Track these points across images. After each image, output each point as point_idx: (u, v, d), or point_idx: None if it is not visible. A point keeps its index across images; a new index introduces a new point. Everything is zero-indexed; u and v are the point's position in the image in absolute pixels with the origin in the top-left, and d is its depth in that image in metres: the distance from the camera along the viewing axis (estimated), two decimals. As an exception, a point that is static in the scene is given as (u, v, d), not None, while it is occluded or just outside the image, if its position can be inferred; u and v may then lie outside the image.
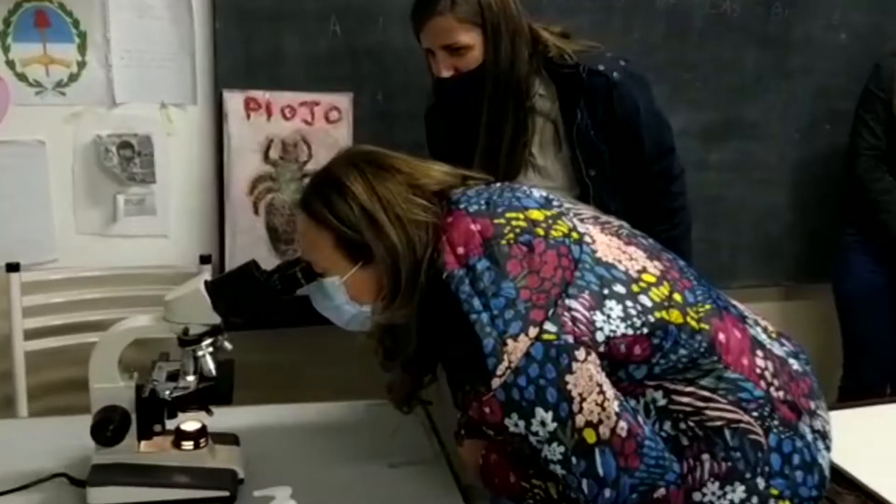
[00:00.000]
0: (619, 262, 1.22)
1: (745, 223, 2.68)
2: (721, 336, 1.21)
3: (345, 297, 1.27)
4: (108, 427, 1.26)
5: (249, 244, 2.26)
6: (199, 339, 1.28)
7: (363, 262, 1.24)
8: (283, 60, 2.20)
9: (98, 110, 2.13)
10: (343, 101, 2.25)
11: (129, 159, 2.18)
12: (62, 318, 2.13)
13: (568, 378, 1.11)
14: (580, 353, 1.12)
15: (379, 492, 1.38)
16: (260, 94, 2.19)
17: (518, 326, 1.11)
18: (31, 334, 2.09)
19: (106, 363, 1.28)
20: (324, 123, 2.25)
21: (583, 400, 1.11)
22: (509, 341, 1.11)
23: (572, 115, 1.81)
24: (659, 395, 1.18)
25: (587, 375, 1.11)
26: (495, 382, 1.11)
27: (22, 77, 2.07)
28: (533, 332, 1.11)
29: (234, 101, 2.18)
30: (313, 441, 1.52)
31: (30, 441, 1.47)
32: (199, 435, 1.35)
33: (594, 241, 1.23)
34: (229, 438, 1.42)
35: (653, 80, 2.42)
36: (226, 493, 1.30)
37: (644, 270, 1.23)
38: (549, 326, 1.11)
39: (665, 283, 1.22)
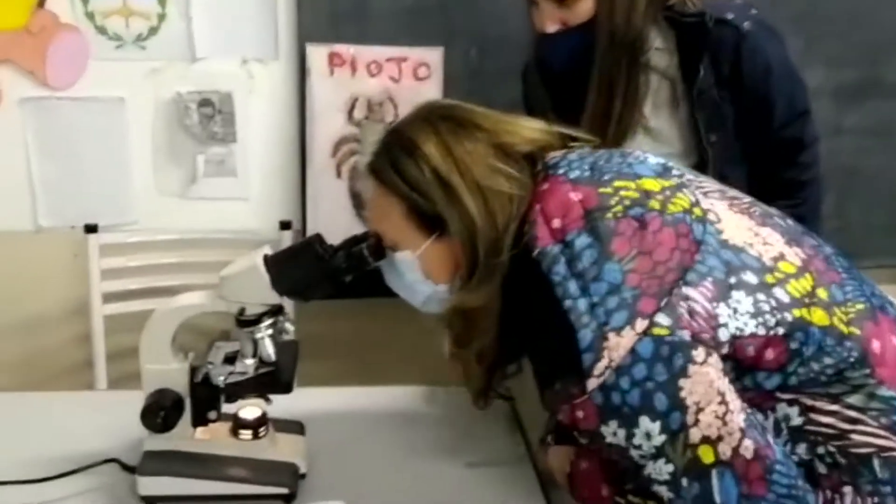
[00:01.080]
0: (751, 245, 1.03)
1: (882, 197, 2.38)
2: (875, 344, 1.00)
3: (418, 275, 1.12)
4: (159, 413, 1.15)
5: (331, 210, 2.13)
6: (257, 319, 1.15)
7: (437, 234, 1.08)
8: (370, 12, 2.03)
9: (178, 65, 2.04)
10: (433, 56, 2.07)
11: (210, 117, 2.08)
12: (140, 282, 2.06)
13: (682, 382, 0.93)
14: (698, 354, 0.93)
15: (453, 495, 1.24)
16: (344, 49, 2.04)
17: (622, 318, 0.93)
18: (108, 297, 2.03)
19: (157, 342, 1.17)
20: (412, 80, 2.08)
21: (699, 410, 0.93)
22: (611, 335, 0.93)
23: (693, 72, 1.56)
24: (794, 411, 0.98)
25: (706, 381, 0.93)
26: (591, 383, 0.94)
27: (101, 30, 1.99)
28: (641, 325, 0.93)
29: (317, 55, 2.04)
30: (383, 431, 1.38)
31: (87, 417, 1.38)
32: (258, 423, 1.23)
33: (720, 220, 1.03)
34: (293, 427, 1.29)
35: (784, 33, 2.19)
36: (284, 491, 1.18)
37: (781, 258, 1.03)
38: (661, 319, 0.93)
39: (807, 274, 1.02)
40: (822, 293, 1.01)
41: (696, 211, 1.01)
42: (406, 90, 2.08)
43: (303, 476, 1.22)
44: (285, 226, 2.10)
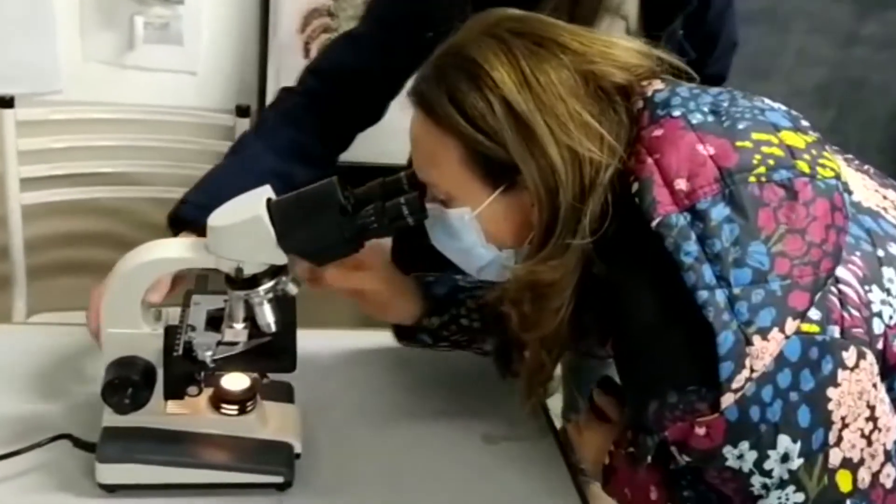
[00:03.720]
0: (885, 210, 0.85)
1: (882, 115, 2.25)
2: None
3: (477, 236, 0.88)
4: (126, 391, 0.91)
5: (296, 94, 1.83)
6: (255, 281, 0.91)
7: (505, 185, 0.85)
8: None
9: None
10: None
11: (152, -29, 1.71)
12: (65, 167, 1.75)
13: (830, 392, 0.76)
14: (849, 356, 0.76)
15: (470, 476, 1.07)
16: None
17: (770, 316, 0.74)
18: (28, 184, 1.72)
19: (124, 302, 0.92)
20: (401, -54, 1.75)
21: (844, 426, 0.76)
22: (756, 339, 0.73)
23: (660, 13, 1.19)
24: None
25: (857, 390, 0.76)
26: (727, 399, 0.75)
27: None
28: (791, 326, 0.74)
29: None
30: (387, 395, 1.19)
31: (28, 363, 1.13)
32: (246, 396, 1.00)
33: (849, 182, 0.84)
34: (281, 392, 1.07)
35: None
36: (279, 479, 0.98)
37: None
38: (811, 313, 0.75)
39: None
40: None
41: (843, 176, 0.82)
42: (393, -43, 1.76)
43: (297, 456, 1.02)
44: (243, 112, 1.79)
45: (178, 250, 0.92)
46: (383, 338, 1.20)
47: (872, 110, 2.24)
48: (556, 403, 1.18)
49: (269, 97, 1.82)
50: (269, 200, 0.89)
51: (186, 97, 1.83)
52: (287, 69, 1.80)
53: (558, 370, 1.04)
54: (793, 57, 2.07)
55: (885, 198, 0.88)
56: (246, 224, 0.88)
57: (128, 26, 1.75)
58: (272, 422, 1.03)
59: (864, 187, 0.87)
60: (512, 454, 1.11)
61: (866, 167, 0.93)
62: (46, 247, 1.87)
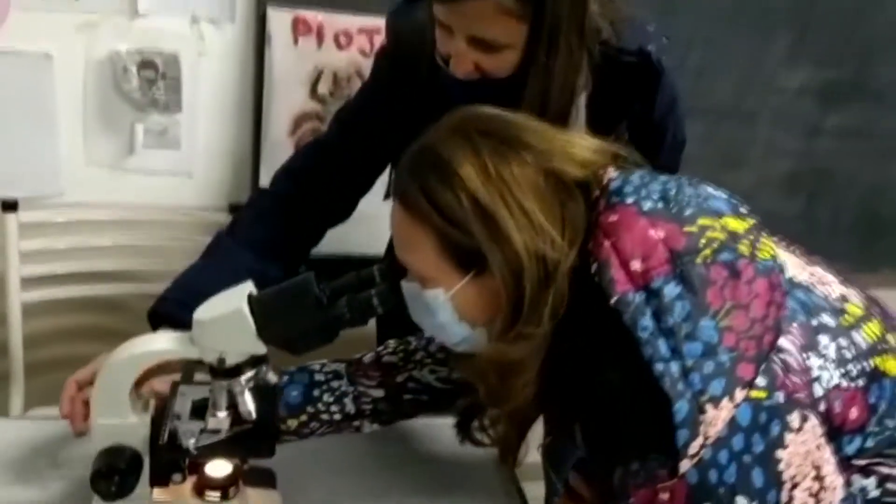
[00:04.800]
0: (813, 285, 0.92)
1: (851, 200, 2.33)
2: None
3: (452, 315, 0.95)
4: (113, 478, 0.96)
5: (287, 193, 1.92)
6: (237, 370, 0.97)
7: (475, 271, 0.91)
8: (341, -25, 1.82)
9: (117, 20, 1.77)
10: (409, 29, 1.87)
11: (152, 82, 1.82)
12: (66, 266, 1.82)
13: (779, 454, 0.81)
14: (793, 419, 0.82)
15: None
16: (311, 15, 1.81)
17: (721, 386, 0.80)
18: (28, 283, 1.79)
19: (113, 393, 0.98)
20: (384, 55, 1.87)
21: (794, 486, 0.81)
22: (708, 407, 0.79)
23: (607, 108, 1.24)
24: (871, 482, 0.88)
25: (802, 451, 0.82)
26: (685, 465, 0.80)
27: (26, -26, 1.70)
28: (740, 394, 0.80)
29: (279, 20, 1.80)
30: (364, 475, 1.23)
31: (21, 454, 1.17)
32: (229, 482, 1.05)
33: (783, 262, 0.92)
34: (263, 478, 1.12)
35: (776, 25, 2.08)
36: (261, 565, 1.02)
37: (845, 299, 0.93)
38: (758, 380, 0.81)
39: (874, 318, 0.92)
40: (891, 339, 0.92)
41: (779, 257, 0.89)
42: (377, 65, 1.87)
43: (279, 542, 1.05)
44: (235, 209, 1.88)
45: (164, 343, 0.98)
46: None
47: (841, 197, 2.32)
48: (535, 489, 1.22)
49: (262, 196, 1.91)
50: (250, 295, 0.96)
51: (183, 197, 1.92)
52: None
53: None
54: (761, 148, 2.17)
55: (812, 274, 0.95)
56: (228, 317, 0.94)
57: (128, 133, 1.86)
58: (255, 508, 1.07)
59: (794, 265, 0.94)
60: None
61: (793, 248, 1.01)
62: (44, 343, 1.92)
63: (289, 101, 1.86)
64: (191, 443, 0.97)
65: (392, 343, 1.24)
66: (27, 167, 1.83)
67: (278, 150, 1.89)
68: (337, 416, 1.17)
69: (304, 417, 1.16)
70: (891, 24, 2.15)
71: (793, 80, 2.15)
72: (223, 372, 0.97)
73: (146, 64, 1.81)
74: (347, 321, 0.95)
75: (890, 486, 0.88)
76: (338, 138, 1.35)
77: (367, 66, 1.85)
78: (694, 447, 0.80)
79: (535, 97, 1.17)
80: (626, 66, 1.22)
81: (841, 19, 2.10)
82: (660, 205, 0.88)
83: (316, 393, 1.17)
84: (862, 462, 0.88)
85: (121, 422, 0.98)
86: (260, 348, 0.95)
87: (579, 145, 0.94)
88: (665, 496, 0.83)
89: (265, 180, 1.90)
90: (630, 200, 0.89)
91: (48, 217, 1.80)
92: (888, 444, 0.89)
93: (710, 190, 0.95)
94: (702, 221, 0.87)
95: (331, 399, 1.17)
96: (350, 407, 1.18)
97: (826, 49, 2.13)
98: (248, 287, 0.97)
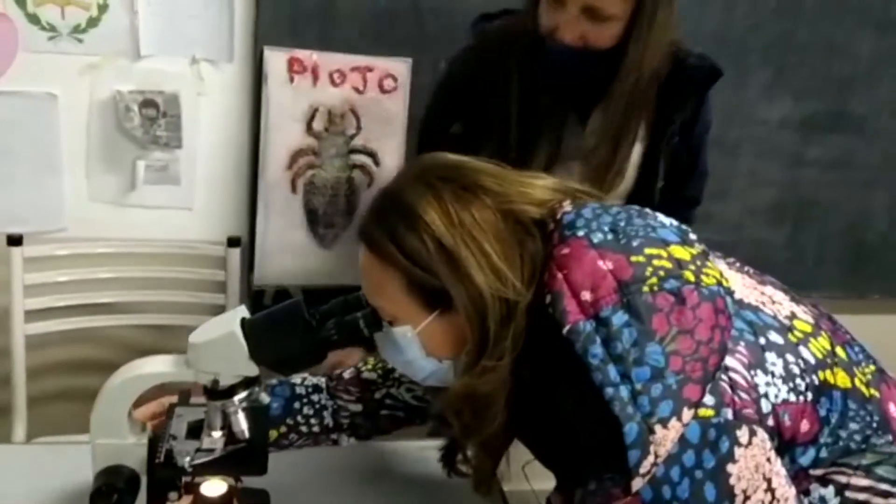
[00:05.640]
0: (763, 304, 0.97)
1: (835, 229, 2.38)
2: (892, 408, 0.96)
3: (419, 351, 1.00)
4: (112, 497, 1.01)
5: (284, 226, 1.98)
6: (230, 391, 1.01)
7: (441, 309, 0.97)
8: (335, 16, 1.89)
9: (119, 62, 1.84)
10: (401, 67, 1.94)
11: (153, 120, 1.89)
12: (69, 299, 1.87)
13: (730, 468, 0.85)
14: (742, 434, 0.86)
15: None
16: (306, 55, 1.89)
17: (669, 408, 0.84)
18: (32, 315, 1.84)
19: (112, 415, 1.02)
20: (377, 93, 1.95)
21: (746, 499, 0.86)
22: (657, 428, 0.84)
23: (670, 100, 1.45)
24: (829, 492, 0.92)
25: (752, 465, 0.86)
26: (637, 483, 0.84)
27: (33, 19, 1.78)
28: (687, 415, 0.85)
29: (276, 60, 1.88)
30: (361, 496, 1.27)
31: (24, 478, 1.21)
32: (224, 501, 1.09)
33: (729, 281, 0.97)
34: (258, 498, 1.16)
35: (755, 62, 2.15)
36: (255, 581, 1.05)
37: (794, 316, 0.98)
38: (705, 399, 0.86)
39: (822, 333, 0.98)
40: (840, 353, 0.97)
41: (724, 282, 0.94)
42: (370, 102, 1.95)
43: (273, 560, 1.09)
44: (234, 242, 1.94)
45: (160, 366, 1.03)
46: (354, 447, 1.30)
47: (825, 225, 2.37)
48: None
49: (259, 229, 1.97)
50: (243, 319, 1.01)
51: (183, 231, 1.98)
52: (275, 203, 1.96)
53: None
54: (745, 179, 2.23)
55: (762, 293, 1.00)
56: (221, 340, 0.99)
57: (130, 169, 1.92)
58: (248, 526, 1.11)
59: (744, 286, 0.99)
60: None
61: (746, 268, 1.06)
62: (47, 374, 1.97)
63: (285, 137, 1.93)
64: (186, 461, 1.01)
65: (371, 360, 1.29)
66: (32, 203, 1.89)
67: (275, 184, 1.95)
68: (316, 429, 1.23)
69: (283, 429, 1.21)
70: (865, 58, 2.21)
71: (774, 112, 2.21)
72: (217, 393, 1.02)
73: (147, 103, 1.88)
74: (335, 343, 1.00)
75: (849, 494, 0.92)
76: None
77: (360, 102, 1.94)
78: (645, 466, 0.84)
79: (632, 68, 1.34)
80: (689, 66, 1.41)
81: (817, 54, 2.17)
82: (609, 236, 0.93)
83: (296, 405, 1.22)
84: (819, 472, 0.92)
85: (119, 442, 1.03)
86: (252, 370, 1.00)
87: (535, 186, 1.00)
88: None
89: (262, 214, 1.97)
90: (581, 233, 0.94)
91: (52, 251, 1.86)
92: (843, 454, 0.93)
93: (660, 219, 1.00)
94: (648, 251, 0.92)
95: (310, 412, 1.22)
96: (329, 420, 1.23)
97: (804, 83, 2.20)
98: (242, 311, 1.03)
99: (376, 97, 1.95)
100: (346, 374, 1.27)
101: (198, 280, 1.94)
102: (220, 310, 1.91)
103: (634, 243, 0.92)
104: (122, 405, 1.02)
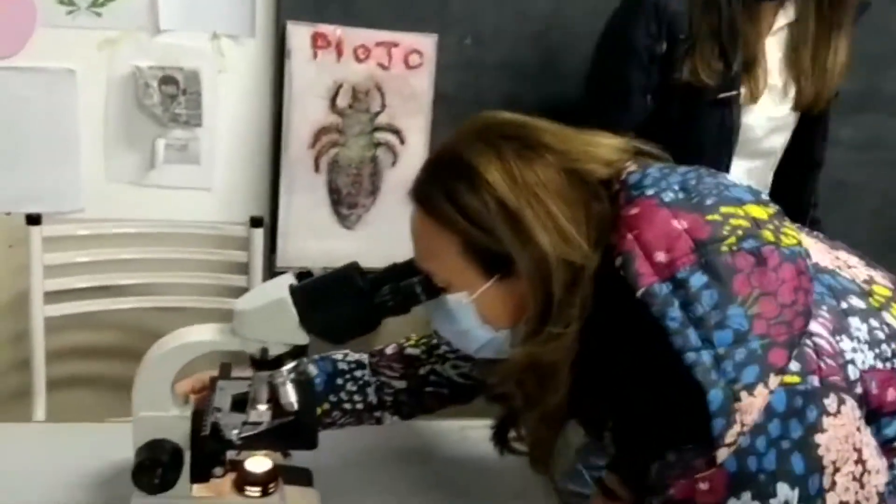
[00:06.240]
0: (839, 269, 0.93)
1: (864, 211, 2.34)
2: None
3: (474, 320, 0.95)
4: (156, 471, 0.96)
5: (307, 206, 1.94)
6: (278, 361, 0.97)
7: (500, 274, 0.92)
8: (360, -10, 1.84)
9: (138, 37, 1.79)
10: (426, 43, 1.90)
11: (173, 97, 1.84)
12: (88, 280, 1.82)
13: (818, 438, 0.80)
14: (830, 403, 0.81)
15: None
16: (330, 30, 1.84)
17: (754, 373, 0.79)
18: (51, 296, 1.79)
19: (155, 386, 0.97)
20: (402, 69, 1.90)
21: (836, 471, 0.81)
22: (743, 394, 0.79)
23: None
24: None
25: (842, 434, 0.81)
26: (722, 453, 0.79)
27: (51, -8, 1.73)
28: (773, 381, 0.80)
29: (299, 35, 1.83)
30: (402, 476, 1.22)
31: (51, 458, 1.17)
32: (268, 478, 1.04)
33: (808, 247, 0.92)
34: (300, 476, 1.12)
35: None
36: (302, 560, 1.01)
37: (872, 281, 0.93)
38: (791, 366, 0.81)
39: None
40: None
41: (803, 242, 0.89)
42: (395, 78, 1.90)
43: (318, 539, 1.05)
44: (256, 222, 1.89)
45: (205, 334, 0.98)
46: (406, 428, 1.27)
47: (854, 208, 2.32)
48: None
49: (282, 209, 1.92)
50: (291, 285, 0.96)
51: (203, 212, 1.93)
52: (299, 181, 1.91)
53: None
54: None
55: (836, 258, 0.96)
56: (270, 307, 0.94)
57: (149, 148, 1.87)
58: (293, 504, 1.06)
59: (818, 251, 0.95)
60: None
61: (815, 233, 1.02)
62: (67, 359, 1.92)
63: (308, 114, 1.88)
64: (234, 433, 0.97)
65: (414, 336, 1.24)
66: (48, 183, 1.84)
67: (298, 163, 1.90)
68: (359, 406, 1.18)
69: (326, 406, 1.16)
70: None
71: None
72: (265, 363, 0.97)
73: (167, 80, 1.83)
74: (390, 309, 0.95)
75: None
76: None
77: (385, 78, 1.89)
78: (730, 435, 0.79)
79: None
80: None
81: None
82: (680, 195, 0.89)
83: (339, 382, 1.17)
84: None
85: (162, 415, 0.98)
86: (302, 338, 0.96)
87: (600, 144, 0.95)
88: (704, 486, 0.82)
89: (284, 194, 1.92)
90: (650, 192, 0.89)
91: (70, 231, 1.81)
92: None
93: (731, 179, 0.95)
94: (724, 210, 0.87)
95: (354, 388, 1.17)
96: (372, 397, 1.18)
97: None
98: (289, 278, 0.98)
99: (401, 73, 1.90)
100: (389, 350, 1.22)
101: (219, 261, 1.89)
102: (242, 292, 1.85)
103: (708, 202, 0.87)
104: (165, 376, 0.98)
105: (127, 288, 1.87)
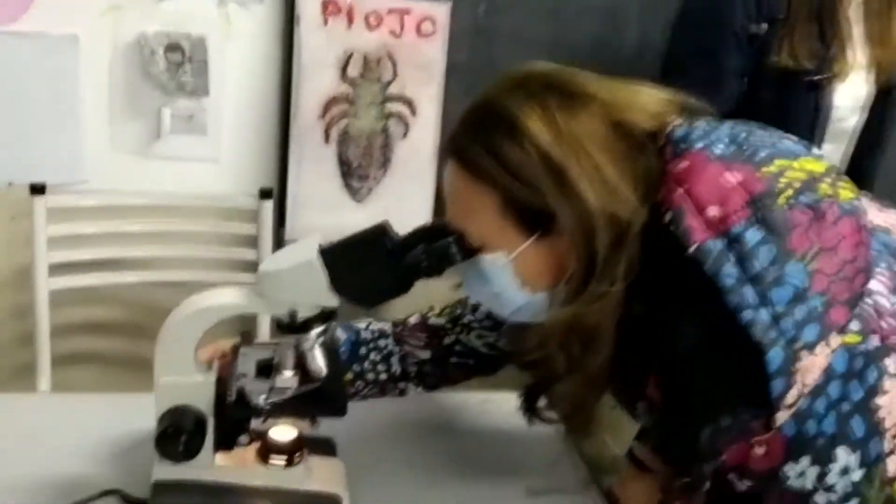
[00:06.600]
0: (893, 227, 0.90)
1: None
2: None
3: (511, 281, 0.91)
4: (180, 438, 0.92)
5: (316, 178, 1.90)
6: (306, 325, 0.93)
7: (541, 232, 0.87)
8: (371, -45, 1.80)
9: (144, 2, 1.75)
10: (439, 11, 1.85)
11: (179, 65, 1.79)
12: (92, 252, 1.78)
13: (879, 401, 0.77)
14: (891, 364, 0.78)
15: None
16: (341, -5, 1.79)
17: (815, 332, 0.76)
18: (56, 269, 1.74)
19: (178, 351, 0.94)
20: (414, 37, 1.86)
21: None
22: (804, 354, 0.75)
23: None
24: None
25: None
26: (782, 416, 0.76)
27: (52, -45, 1.68)
28: (835, 340, 0.77)
29: (308, 1, 1.78)
30: (427, 447, 1.19)
31: (63, 430, 1.13)
32: (294, 448, 1.01)
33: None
34: (324, 446, 1.08)
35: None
36: (330, 531, 0.97)
37: None
38: (851, 325, 0.78)
39: None
40: None
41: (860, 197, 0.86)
42: (407, 47, 1.86)
43: (344, 510, 1.01)
44: (266, 194, 1.85)
45: (230, 297, 0.95)
46: (429, 399, 1.24)
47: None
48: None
49: (291, 180, 1.88)
50: (321, 245, 0.92)
51: (210, 183, 1.89)
52: (309, 152, 1.87)
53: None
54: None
55: (887, 218, 0.93)
56: (299, 268, 0.91)
57: (155, 117, 1.82)
58: (319, 474, 1.03)
59: (871, 209, 0.91)
60: (555, 506, 1.11)
61: (863, 191, 0.98)
62: (70, 334, 1.88)
63: (318, 83, 1.84)
64: (261, 399, 0.93)
65: (437, 306, 1.21)
66: (51, 152, 1.79)
67: (307, 134, 1.86)
68: (383, 377, 1.14)
69: (350, 376, 1.12)
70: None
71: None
72: (292, 328, 0.93)
73: (173, 47, 1.78)
74: (423, 270, 0.91)
75: None
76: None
77: (396, 47, 1.84)
78: (791, 396, 0.76)
79: None
80: None
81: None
82: (731, 148, 0.85)
83: (363, 351, 1.14)
84: None
85: (186, 380, 0.94)
86: (331, 301, 0.92)
87: (647, 94, 0.91)
88: (760, 451, 0.79)
89: (294, 165, 1.87)
90: (699, 146, 0.85)
91: (75, 202, 1.76)
92: None
93: (781, 133, 0.91)
94: (778, 163, 0.83)
95: (378, 358, 1.14)
96: (396, 367, 1.15)
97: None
98: (318, 238, 0.94)
99: (414, 41, 1.85)
100: (412, 320, 1.19)
101: (227, 234, 1.85)
102: (250, 265, 1.83)
103: (761, 154, 0.84)
104: (188, 340, 0.94)
105: (132, 262, 1.82)
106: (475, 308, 1.19)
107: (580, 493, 1.13)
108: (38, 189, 1.70)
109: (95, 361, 1.92)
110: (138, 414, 1.03)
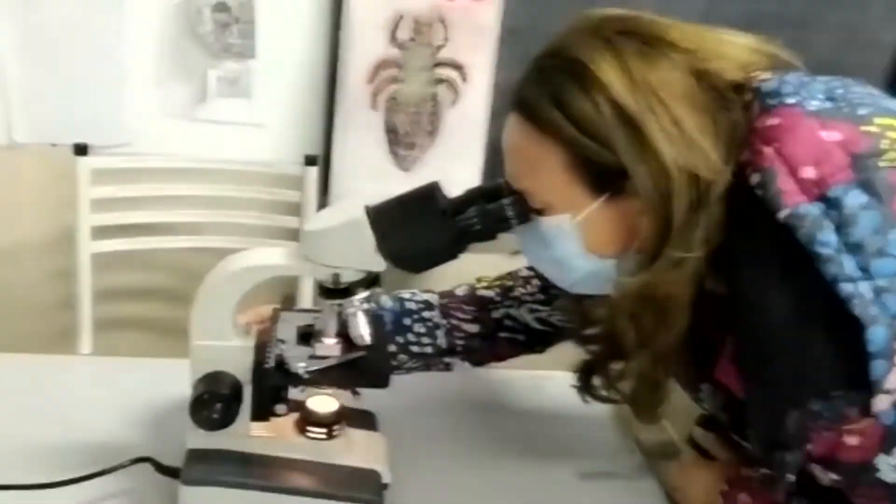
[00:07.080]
0: None
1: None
2: None
3: (577, 246, 0.84)
4: (215, 406, 0.87)
5: (362, 145, 1.84)
6: (349, 291, 0.87)
7: (611, 192, 0.80)
8: (425, -87, 1.73)
9: (191, -40, 1.70)
10: (495, -28, 1.77)
11: (226, 26, 1.75)
12: (134, 216, 1.75)
13: None
14: None
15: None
16: (393, -45, 1.73)
17: None
18: (98, 232, 1.72)
19: (215, 313, 0.89)
20: (468, 0, 1.78)
21: None
22: None
23: None
24: None
25: None
26: (881, 401, 0.69)
27: None
28: None
29: (359, -39, 1.72)
30: (474, 425, 1.13)
31: (100, 394, 1.10)
32: (334, 420, 0.96)
33: None
34: (364, 420, 1.03)
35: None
36: (370, 508, 0.92)
37: None
38: None
39: None
40: None
41: None
42: (459, 10, 1.78)
43: (385, 486, 0.96)
44: (311, 161, 1.80)
45: (273, 258, 0.89)
46: (480, 375, 1.18)
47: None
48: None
49: (337, 146, 1.83)
50: (367, 205, 0.86)
51: (255, 149, 1.85)
52: (355, 119, 1.82)
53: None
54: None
55: None
56: (344, 228, 0.85)
57: (201, 80, 1.78)
58: (359, 448, 0.97)
59: None
60: (608, 492, 1.05)
61: None
62: (112, 299, 1.86)
63: (366, 47, 1.78)
64: (300, 367, 0.88)
65: (486, 278, 1.14)
66: (93, 114, 1.77)
67: (355, 99, 1.80)
68: (428, 350, 1.08)
69: (393, 347, 1.07)
70: None
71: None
72: (336, 292, 0.88)
73: (220, 7, 1.74)
74: (476, 234, 0.85)
75: None
76: None
77: (448, 10, 1.77)
78: (892, 381, 0.68)
79: None
80: None
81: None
82: (828, 104, 0.77)
83: (407, 322, 1.08)
84: None
85: (223, 344, 0.89)
86: (378, 264, 0.86)
87: (733, 43, 0.83)
88: (852, 440, 0.72)
89: (340, 131, 1.82)
90: (792, 101, 0.77)
91: (118, 164, 1.73)
92: None
93: (881, 92, 0.83)
94: (879, 121, 0.75)
95: (423, 330, 1.08)
96: (442, 341, 1.08)
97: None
98: (362, 199, 0.88)
99: (467, 5, 1.78)
100: (459, 292, 1.13)
101: (271, 201, 1.80)
102: (294, 233, 1.78)
103: (861, 111, 0.76)
104: (226, 302, 0.89)
105: (175, 226, 1.79)
106: (527, 280, 1.13)
107: (635, 480, 1.07)
108: (81, 150, 1.67)
109: (136, 326, 1.90)
110: (177, 380, 0.98)
